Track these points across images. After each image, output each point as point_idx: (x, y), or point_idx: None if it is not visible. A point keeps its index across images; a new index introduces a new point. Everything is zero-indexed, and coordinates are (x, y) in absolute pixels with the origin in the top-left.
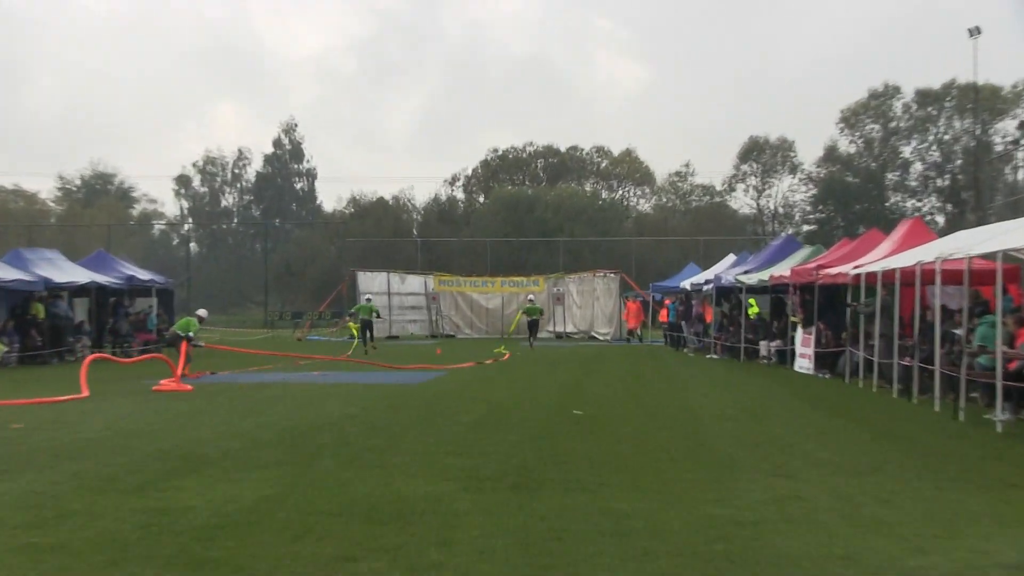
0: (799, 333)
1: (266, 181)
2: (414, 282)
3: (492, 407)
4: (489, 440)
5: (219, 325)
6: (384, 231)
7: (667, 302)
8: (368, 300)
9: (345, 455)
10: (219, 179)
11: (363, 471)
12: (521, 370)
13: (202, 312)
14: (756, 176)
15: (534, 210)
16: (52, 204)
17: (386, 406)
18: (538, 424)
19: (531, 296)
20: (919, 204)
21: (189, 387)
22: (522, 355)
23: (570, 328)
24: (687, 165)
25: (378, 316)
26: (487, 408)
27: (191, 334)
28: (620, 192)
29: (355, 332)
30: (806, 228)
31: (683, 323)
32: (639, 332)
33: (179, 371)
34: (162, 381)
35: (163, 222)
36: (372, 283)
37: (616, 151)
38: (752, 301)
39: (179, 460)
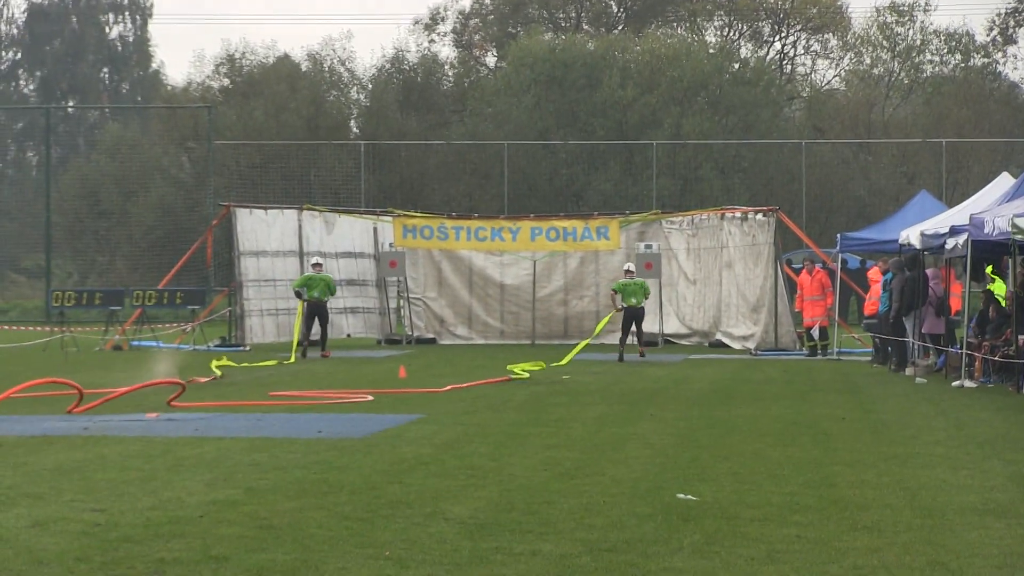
0: None
1: (47, 23)
2: (351, 231)
3: (510, 487)
4: (504, 557)
5: None
6: (291, 126)
7: (877, 272)
8: (317, 267)
9: None
10: None
11: None
12: (569, 411)
13: None
14: None
15: (599, 83)
16: None
17: (295, 486)
18: (605, 522)
19: (629, 266)
20: None
21: None
22: (584, 379)
23: (673, 325)
24: None
25: (332, 294)
26: (500, 489)
27: None
28: (776, 46)
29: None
30: None
31: (902, 317)
32: (819, 335)
33: None
34: None
35: None
36: (266, 231)
37: None
38: (992, 273)
39: None
